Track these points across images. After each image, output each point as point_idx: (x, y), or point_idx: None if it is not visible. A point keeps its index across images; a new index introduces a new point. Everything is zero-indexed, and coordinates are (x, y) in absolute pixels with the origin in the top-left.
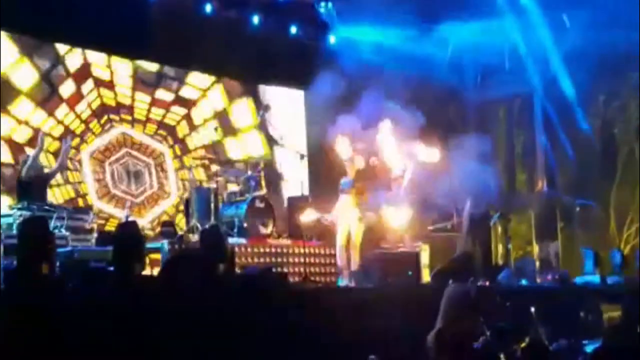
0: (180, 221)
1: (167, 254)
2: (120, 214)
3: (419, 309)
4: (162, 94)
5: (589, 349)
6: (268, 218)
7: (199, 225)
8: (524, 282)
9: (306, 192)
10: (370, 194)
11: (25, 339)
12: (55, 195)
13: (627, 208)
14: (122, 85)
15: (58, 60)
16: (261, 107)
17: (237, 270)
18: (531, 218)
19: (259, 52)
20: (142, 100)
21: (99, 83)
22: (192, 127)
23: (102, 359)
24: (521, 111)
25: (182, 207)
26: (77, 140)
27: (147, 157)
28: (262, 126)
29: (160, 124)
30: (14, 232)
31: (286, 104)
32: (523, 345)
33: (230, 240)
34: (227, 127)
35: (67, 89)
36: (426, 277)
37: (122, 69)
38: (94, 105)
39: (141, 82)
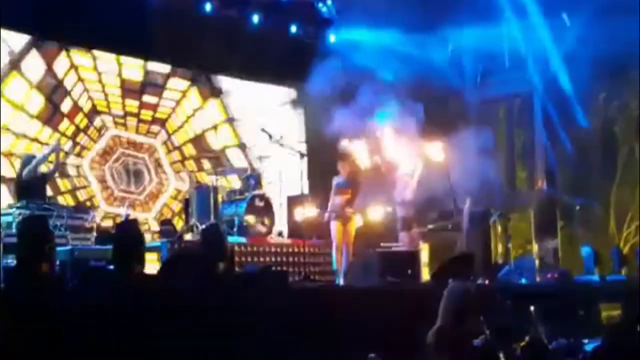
0: (180, 215)
1: (167, 253)
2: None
3: (418, 308)
4: (148, 98)
5: (589, 347)
6: (268, 217)
7: (198, 224)
8: (523, 280)
9: (306, 191)
10: (371, 192)
11: (25, 338)
12: (66, 200)
13: (627, 207)
14: (110, 85)
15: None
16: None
17: (237, 269)
18: (531, 217)
19: (258, 51)
20: (130, 104)
21: (88, 89)
22: (180, 124)
23: (102, 358)
24: (521, 110)
25: (180, 197)
26: (77, 148)
27: (143, 154)
28: (231, 120)
29: (152, 122)
30: (14, 231)
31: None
32: (523, 344)
33: (230, 239)
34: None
35: (59, 97)
36: (426, 275)
37: (109, 72)
38: (86, 110)
39: (128, 88)
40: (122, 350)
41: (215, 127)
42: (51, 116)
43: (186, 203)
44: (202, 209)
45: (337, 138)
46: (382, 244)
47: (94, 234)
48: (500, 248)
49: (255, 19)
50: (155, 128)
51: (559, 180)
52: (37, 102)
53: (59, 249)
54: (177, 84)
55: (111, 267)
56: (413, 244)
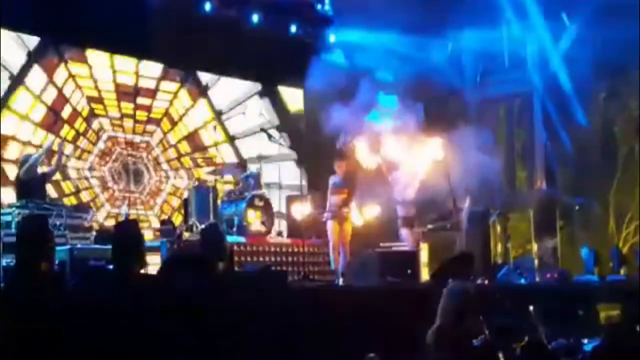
0: (180, 211)
1: (167, 253)
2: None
3: (418, 308)
4: (143, 100)
5: (588, 347)
6: (267, 216)
7: (197, 224)
8: (523, 280)
9: (305, 191)
10: (371, 192)
11: (25, 337)
12: (70, 202)
13: (627, 207)
14: (106, 90)
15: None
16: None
17: (236, 269)
18: (530, 216)
19: (258, 51)
20: (126, 107)
21: (85, 95)
22: (173, 123)
23: (101, 357)
24: (521, 110)
25: (179, 194)
26: (78, 151)
27: (141, 153)
28: (219, 119)
29: (147, 122)
30: (13, 230)
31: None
32: (522, 343)
33: (230, 238)
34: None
35: (59, 105)
36: (425, 275)
37: (104, 79)
38: (85, 114)
39: (123, 91)
40: (122, 349)
41: (205, 125)
42: (53, 123)
43: (185, 202)
44: (201, 209)
45: (335, 136)
46: (381, 244)
47: (94, 233)
48: (499, 248)
49: (255, 18)
50: (151, 127)
51: (559, 180)
52: (40, 111)
53: (58, 248)
54: (168, 86)
55: (111, 266)
56: (414, 242)
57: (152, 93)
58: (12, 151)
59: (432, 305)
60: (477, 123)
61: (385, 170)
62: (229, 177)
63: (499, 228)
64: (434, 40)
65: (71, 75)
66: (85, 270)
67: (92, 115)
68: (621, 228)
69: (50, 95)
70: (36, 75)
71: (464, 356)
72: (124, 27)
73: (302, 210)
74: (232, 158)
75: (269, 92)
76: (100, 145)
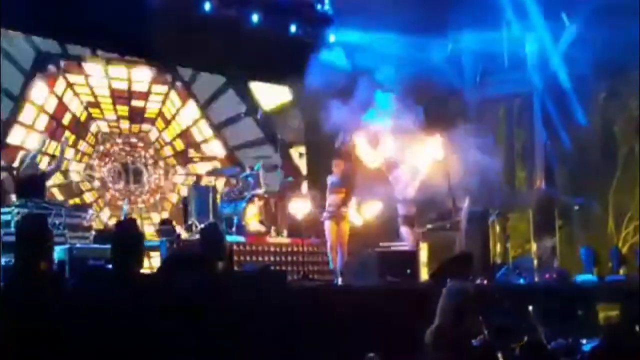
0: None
1: (166, 252)
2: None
3: (417, 307)
4: (136, 103)
5: (587, 347)
6: (267, 216)
7: (197, 223)
8: (522, 280)
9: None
10: (371, 191)
11: (24, 336)
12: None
13: (626, 207)
14: (102, 96)
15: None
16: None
17: (236, 268)
18: (530, 216)
19: (258, 51)
20: (122, 109)
21: (83, 101)
22: (167, 122)
23: (100, 357)
24: (521, 110)
25: (177, 190)
26: (79, 155)
27: (139, 152)
28: (206, 116)
29: (142, 122)
30: (12, 229)
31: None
32: (521, 343)
33: (229, 238)
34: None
35: (60, 113)
36: (424, 275)
37: (99, 85)
38: (83, 119)
39: (117, 96)
40: (121, 349)
41: (195, 123)
42: (55, 130)
43: (185, 202)
44: (200, 208)
45: (334, 135)
46: (381, 244)
47: (93, 232)
48: (498, 248)
49: (255, 18)
50: (146, 127)
51: (558, 180)
52: (43, 120)
53: (57, 247)
54: (159, 88)
55: (110, 266)
56: (414, 242)
57: (145, 96)
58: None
59: (431, 305)
60: (476, 123)
61: (386, 169)
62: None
63: (498, 228)
64: (433, 40)
65: (69, 84)
66: (85, 269)
67: (90, 118)
68: (620, 228)
69: (52, 104)
70: (39, 89)
71: (463, 356)
72: (122, 27)
73: (303, 210)
74: (222, 151)
75: (238, 86)
76: (99, 147)
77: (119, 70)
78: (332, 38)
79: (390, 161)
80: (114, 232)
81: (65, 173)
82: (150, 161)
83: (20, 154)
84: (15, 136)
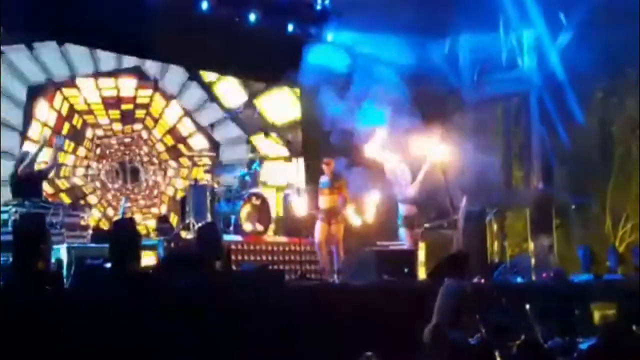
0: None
1: (163, 251)
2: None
3: (414, 306)
4: (126, 106)
5: (584, 346)
6: (264, 215)
7: (195, 223)
8: (519, 279)
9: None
10: (369, 190)
11: (22, 335)
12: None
13: (623, 206)
14: (94, 104)
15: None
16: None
17: (233, 268)
18: (527, 215)
19: (255, 50)
20: (113, 113)
21: (78, 109)
22: (155, 121)
23: (99, 356)
24: (518, 109)
25: (172, 183)
26: (79, 160)
27: (134, 151)
28: (189, 114)
29: (134, 123)
30: (10, 228)
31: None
32: (518, 342)
33: (226, 237)
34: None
35: (59, 125)
36: (422, 274)
37: (91, 96)
38: (79, 126)
39: (108, 102)
40: (119, 348)
41: (180, 119)
42: (61, 145)
43: (182, 201)
44: (198, 208)
45: (330, 132)
46: (378, 243)
47: (90, 232)
48: (496, 247)
49: (252, 17)
50: (137, 126)
51: (556, 179)
52: (46, 134)
53: (55, 247)
54: (144, 92)
55: (108, 265)
56: (413, 242)
57: (133, 100)
58: None
59: (429, 304)
60: (474, 122)
61: (386, 169)
62: (226, 175)
63: (495, 227)
64: (431, 39)
65: (65, 98)
66: (82, 268)
67: (85, 125)
68: (617, 227)
69: (52, 118)
70: (41, 106)
71: (461, 355)
72: (120, 26)
73: (300, 210)
74: (205, 144)
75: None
76: (96, 150)
77: (107, 81)
78: (329, 37)
79: (389, 160)
80: (112, 231)
81: (69, 179)
82: (145, 158)
83: (19, 153)
84: (25, 149)
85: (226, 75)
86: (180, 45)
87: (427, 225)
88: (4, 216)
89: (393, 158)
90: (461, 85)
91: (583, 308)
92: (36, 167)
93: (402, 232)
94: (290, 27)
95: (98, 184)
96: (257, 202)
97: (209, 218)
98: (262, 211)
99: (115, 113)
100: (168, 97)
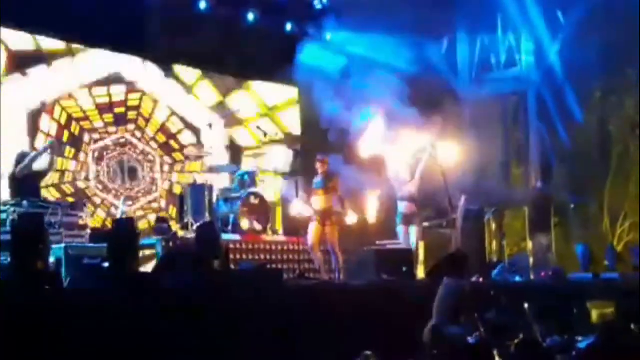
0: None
1: (162, 251)
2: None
3: (414, 306)
4: (118, 110)
5: (582, 345)
6: (263, 214)
7: (193, 222)
8: (518, 278)
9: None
10: (367, 188)
11: (20, 335)
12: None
13: (621, 205)
14: (89, 110)
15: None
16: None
17: (232, 267)
18: (525, 214)
19: (254, 49)
20: (107, 117)
21: (74, 117)
22: (147, 121)
23: (97, 356)
24: (517, 108)
25: (168, 177)
26: (79, 165)
27: (130, 150)
28: (175, 113)
29: (127, 123)
30: (8, 228)
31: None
32: (517, 341)
33: (225, 236)
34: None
35: (60, 133)
36: (421, 273)
37: (86, 103)
38: (77, 133)
39: (101, 108)
40: (117, 348)
41: (169, 118)
42: (59, 148)
43: (181, 200)
44: (197, 207)
45: (329, 129)
46: (377, 242)
47: (88, 231)
48: (494, 246)
49: (251, 16)
50: (131, 127)
51: (554, 178)
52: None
53: (53, 246)
54: (134, 96)
55: (106, 264)
56: (414, 240)
57: (124, 103)
58: None
59: (428, 302)
60: (472, 121)
61: (387, 165)
62: (224, 175)
63: (494, 226)
64: (429, 38)
65: (63, 108)
66: (81, 268)
67: (83, 130)
68: (616, 226)
69: (54, 128)
70: (44, 119)
71: (460, 353)
72: (119, 25)
73: (298, 209)
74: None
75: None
76: (95, 153)
77: (99, 90)
78: (328, 36)
79: (387, 159)
80: (111, 231)
81: (73, 183)
82: (141, 157)
83: (18, 154)
84: (37, 164)
85: (225, 75)
86: (178, 44)
87: (425, 224)
88: (3, 216)
89: (393, 154)
90: (459, 84)
91: (581, 307)
92: (34, 167)
93: (401, 230)
94: (288, 27)
95: (100, 185)
96: (255, 201)
97: (207, 217)
98: (260, 210)
99: (109, 117)
100: (156, 99)
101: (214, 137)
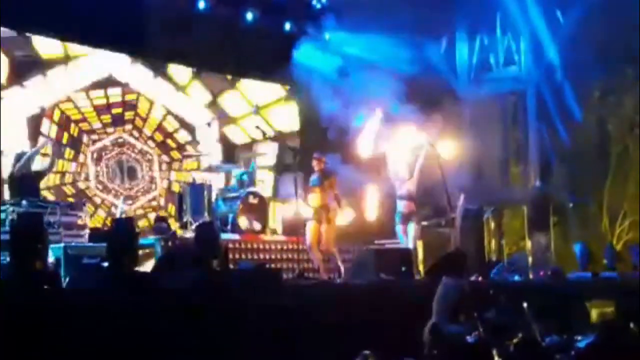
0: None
1: (161, 250)
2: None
3: (413, 305)
4: (116, 110)
5: (582, 344)
6: (262, 214)
7: (192, 221)
8: (517, 277)
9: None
10: (366, 187)
11: (19, 335)
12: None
13: (620, 204)
14: (87, 112)
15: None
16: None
17: (231, 266)
18: (524, 213)
19: (253, 49)
20: (105, 118)
21: (73, 119)
22: (144, 120)
23: (96, 355)
24: (516, 107)
25: (165, 176)
26: (79, 167)
27: (129, 150)
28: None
29: (124, 123)
30: (7, 227)
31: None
32: (516, 340)
33: (224, 236)
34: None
35: (60, 136)
36: (420, 272)
37: (84, 105)
38: (76, 134)
39: (99, 109)
40: (116, 347)
41: (164, 117)
42: (59, 150)
43: (180, 199)
44: (196, 206)
45: (328, 127)
46: (375, 241)
47: (87, 230)
48: (493, 245)
49: (250, 16)
50: (128, 127)
51: (553, 177)
52: (46, 140)
53: (52, 246)
54: (130, 96)
55: (105, 264)
56: (413, 240)
57: (122, 104)
58: None
59: (426, 301)
60: (472, 121)
61: (387, 163)
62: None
63: (493, 225)
64: (428, 38)
65: (62, 111)
66: (80, 268)
67: (81, 132)
68: (615, 225)
69: (54, 130)
70: (45, 122)
71: (459, 353)
72: (118, 25)
73: (297, 209)
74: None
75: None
76: (94, 154)
77: (96, 92)
78: (327, 36)
79: (386, 158)
80: (110, 230)
81: (74, 184)
82: (140, 156)
83: (16, 153)
84: (37, 164)
85: (224, 73)
86: (176, 44)
87: (424, 223)
88: (2, 215)
89: (392, 152)
90: (458, 84)
91: (580, 306)
92: (33, 167)
93: (399, 229)
94: (287, 26)
95: (99, 185)
96: (254, 201)
97: (206, 217)
98: (259, 210)
99: (106, 117)
100: (151, 99)
101: (209, 135)
